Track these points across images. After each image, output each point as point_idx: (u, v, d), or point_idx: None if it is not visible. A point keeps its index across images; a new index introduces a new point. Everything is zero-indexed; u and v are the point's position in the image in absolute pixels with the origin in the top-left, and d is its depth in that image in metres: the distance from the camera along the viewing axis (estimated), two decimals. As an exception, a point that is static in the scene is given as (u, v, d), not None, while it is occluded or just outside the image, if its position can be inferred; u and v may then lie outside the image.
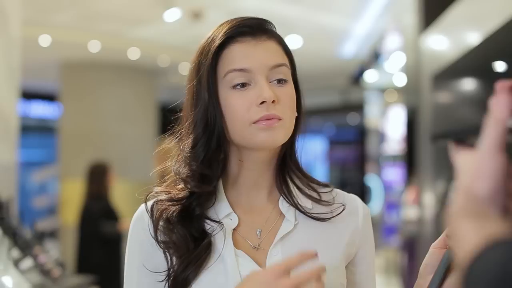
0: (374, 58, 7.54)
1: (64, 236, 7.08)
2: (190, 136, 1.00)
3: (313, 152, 16.04)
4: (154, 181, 1.11)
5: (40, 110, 10.54)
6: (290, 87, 1.01)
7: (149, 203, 1.03)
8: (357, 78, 9.02)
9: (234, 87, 0.98)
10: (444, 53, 3.79)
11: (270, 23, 1.04)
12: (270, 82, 0.98)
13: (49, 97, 9.86)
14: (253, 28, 1.00)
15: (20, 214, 3.55)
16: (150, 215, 1.01)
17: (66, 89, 7.46)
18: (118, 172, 5.63)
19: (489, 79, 3.68)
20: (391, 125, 8.01)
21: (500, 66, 3.40)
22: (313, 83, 9.07)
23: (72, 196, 6.44)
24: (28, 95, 9.24)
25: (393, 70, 7.10)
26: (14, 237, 2.86)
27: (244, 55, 0.98)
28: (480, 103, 3.71)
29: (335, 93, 10.76)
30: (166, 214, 0.99)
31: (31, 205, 8.63)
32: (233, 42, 0.99)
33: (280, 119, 0.97)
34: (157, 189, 1.04)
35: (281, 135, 0.98)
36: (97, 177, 4.94)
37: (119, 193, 5.70)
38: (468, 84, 3.84)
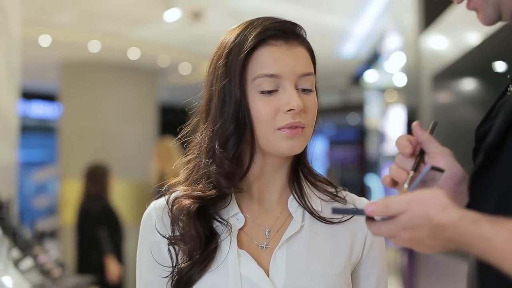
0: (374, 58, 7.53)
1: (64, 236, 7.07)
2: (217, 134, 0.99)
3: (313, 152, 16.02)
4: (154, 181, 1.11)
5: (40, 110, 10.52)
6: (314, 96, 1.03)
7: (170, 198, 1.03)
8: (357, 78, 9.02)
9: (263, 92, 0.98)
10: (444, 53, 3.79)
11: (301, 27, 1.04)
12: (296, 89, 0.99)
13: (49, 97, 9.85)
14: (286, 32, 1.00)
15: (20, 214, 3.56)
16: (170, 208, 1.01)
17: (66, 89, 7.45)
18: (117, 172, 5.62)
19: (489, 79, 3.68)
20: (391, 125, 8.00)
21: (500, 66, 3.40)
22: (313, 83, 9.04)
23: (72, 196, 6.43)
24: (28, 95, 9.22)
25: (393, 70, 7.08)
26: (14, 237, 2.86)
27: (275, 60, 0.98)
28: (480, 103, 3.70)
29: (335, 93, 10.75)
30: (187, 209, 0.99)
31: (31, 205, 8.62)
32: (265, 45, 0.99)
33: (303, 128, 0.98)
34: (181, 187, 1.03)
35: (302, 145, 1.00)
36: (96, 178, 4.91)
37: (118, 193, 5.70)
38: (468, 84, 3.84)
